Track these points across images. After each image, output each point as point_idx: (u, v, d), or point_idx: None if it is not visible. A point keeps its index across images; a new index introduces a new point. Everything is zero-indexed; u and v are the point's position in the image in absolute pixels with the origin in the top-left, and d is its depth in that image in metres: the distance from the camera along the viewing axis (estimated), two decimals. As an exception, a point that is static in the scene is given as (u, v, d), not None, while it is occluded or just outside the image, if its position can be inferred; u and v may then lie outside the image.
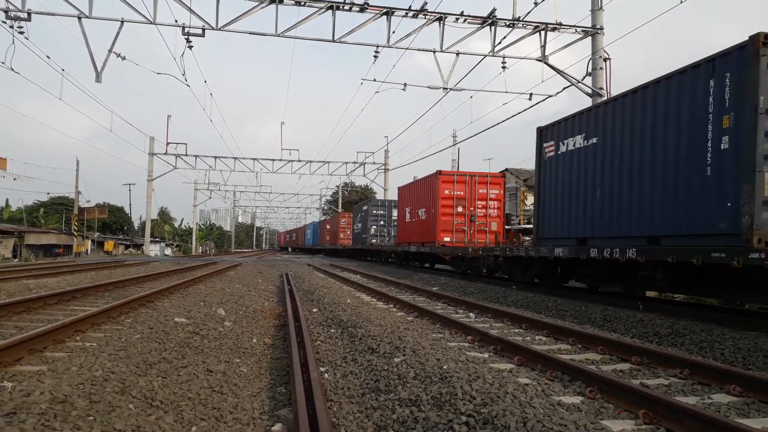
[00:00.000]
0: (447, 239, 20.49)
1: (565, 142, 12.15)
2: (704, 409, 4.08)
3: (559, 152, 12.40)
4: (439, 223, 20.53)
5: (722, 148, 7.86)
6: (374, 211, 35.23)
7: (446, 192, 20.59)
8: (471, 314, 9.82)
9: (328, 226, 52.87)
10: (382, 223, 34.86)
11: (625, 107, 10.15)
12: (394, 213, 31.60)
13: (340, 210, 59.78)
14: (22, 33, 16.82)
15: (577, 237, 11.58)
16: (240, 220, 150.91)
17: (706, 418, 3.63)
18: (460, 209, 20.69)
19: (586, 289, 13.00)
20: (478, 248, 16.85)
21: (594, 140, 11.09)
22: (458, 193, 20.63)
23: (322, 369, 5.59)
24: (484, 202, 20.89)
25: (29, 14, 16.71)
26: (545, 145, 13.04)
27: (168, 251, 60.33)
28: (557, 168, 12.47)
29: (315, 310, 10.23)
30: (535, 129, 13.53)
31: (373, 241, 34.16)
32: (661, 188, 9.10)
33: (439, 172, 20.82)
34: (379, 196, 50.26)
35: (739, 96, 7.61)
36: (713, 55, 8.17)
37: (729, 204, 7.71)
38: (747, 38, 7.54)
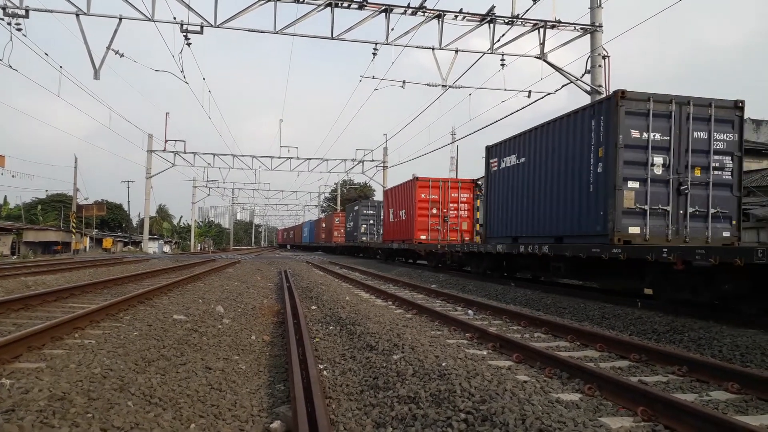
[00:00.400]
0: (423, 237, 22.73)
1: (505, 159, 14.69)
2: (702, 406, 4.08)
3: (500, 168, 14.97)
4: (416, 223, 22.72)
5: (598, 171, 10.33)
6: (365, 211, 37.11)
7: (422, 196, 22.76)
8: (470, 311, 9.85)
9: (323, 225, 53.35)
10: (371, 222, 36.73)
11: (543, 135, 12.57)
12: (383, 213, 32.71)
13: (338, 207, 59.84)
14: (19, 30, 16.72)
15: (511, 236, 14.20)
16: (239, 218, 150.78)
17: (705, 415, 3.64)
18: (434, 211, 22.87)
19: (530, 279, 14.91)
20: (445, 245, 19.48)
21: (523, 160, 13.64)
22: (433, 196, 22.81)
23: (321, 366, 5.59)
24: (456, 205, 23.04)
25: (27, 11, 16.62)
26: (491, 161, 15.55)
27: (166, 248, 60.23)
28: (499, 180, 15.06)
29: (314, 307, 10.23)
30: (484, 147, 15.89)
31: (363, 239, 36.11)
32: (563, 199, 11.63)
33: (416, 178, 22.94)
34: (378, 193, 50.58)
35: (608, 133, 10.02)
36: (594, 101, 10.42)
37: (602, 213, 10.14)
38: (612, 92, 9.96)
